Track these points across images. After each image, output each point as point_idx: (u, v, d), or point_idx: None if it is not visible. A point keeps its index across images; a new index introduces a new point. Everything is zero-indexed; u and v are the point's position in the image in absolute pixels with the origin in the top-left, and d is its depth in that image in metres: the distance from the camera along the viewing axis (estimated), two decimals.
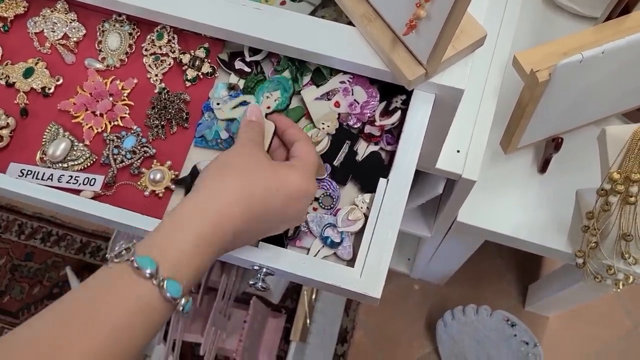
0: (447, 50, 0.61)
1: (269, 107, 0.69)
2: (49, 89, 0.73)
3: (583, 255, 0.96)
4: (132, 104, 0.72)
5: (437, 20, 0.57)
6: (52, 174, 0.69)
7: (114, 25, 0.74)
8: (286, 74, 0.70)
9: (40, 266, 1.59)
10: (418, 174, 0.97)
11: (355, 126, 0.69)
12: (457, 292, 1.54)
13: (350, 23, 0.68)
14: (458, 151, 0.87)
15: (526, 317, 1.50)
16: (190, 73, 0.72)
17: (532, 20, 1.08)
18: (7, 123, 0.71)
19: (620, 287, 0.98)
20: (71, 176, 0.68)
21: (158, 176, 0.68)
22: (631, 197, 0.81)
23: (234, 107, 0.69)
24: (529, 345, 1.27)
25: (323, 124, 0.68)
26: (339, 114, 0.69)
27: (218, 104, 0.70)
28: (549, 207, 1.01)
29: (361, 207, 0.66)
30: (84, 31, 0.75)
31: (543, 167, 1.02)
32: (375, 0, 0.64)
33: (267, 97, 0.69)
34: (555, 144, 0.97)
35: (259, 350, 1.44)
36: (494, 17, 0.96)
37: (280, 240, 0.64)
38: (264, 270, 0.63)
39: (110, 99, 0.72)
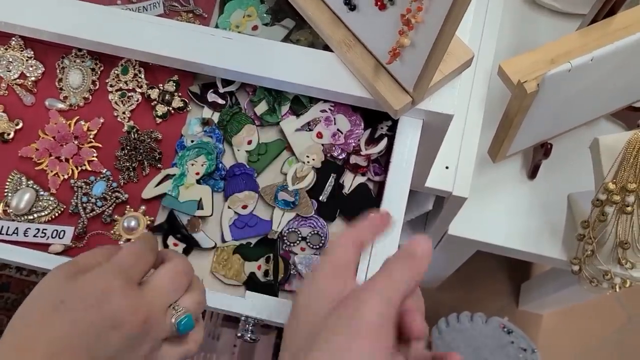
0: (434, 76, 0.57)
1: (198, 173, 0.64)
2: (8, 134, 0.67)
3: (579, 263, 0.93)
4: (100, 145, 0.67)
5: (422, 48, 0.53)
6: (17, 228, 0.64)
7: (75, 61, 0.69)
8: (262, 106, 0.66)
9: (17, 296, 1.53)
10: None
11: (340, 157, 0.65)
12: (449, 295, 1.51)
13: (327, 46, 0.64)
14: (447, 167, 0.84)
15: (520, 316, 1.48)
16: (160, 109, 0.67)
17: (513, 21, 1.05)
18: None
19: (617, 289, 0.95)
20: (38, 229, 0.63)
21: (132, 223, 0.63)
22: (628, 206, 0.78)
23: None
24: (527, 351, 1.25)
25: (308, 157, 0.64)
26: (322, 145, 0.65)
27: (192, 141, 0.66)
28: (540, 213, 0.99)
29: None
30: (43, 69, 0.69)
31: (533, 173, 0.99)
32: (354, 26, 0.60)
33: (192, 165, 0.64)
34: (545, 149, 0.94)
35: None
36: (476, 21, 0.92)
37: (270, 286, 0.60)
38: (252, 321, 0.59)
39: (76, 141, 0.67)
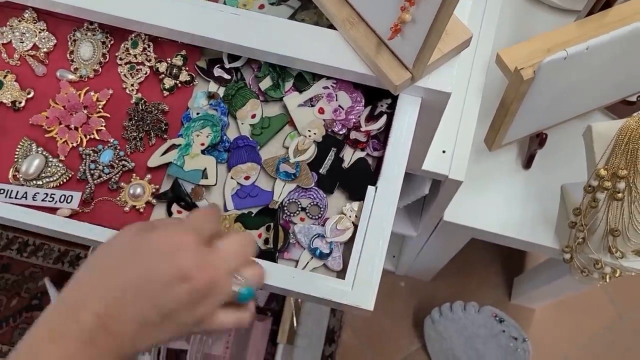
0: (433, 54, 0.59)
1: (203, 144, 0.66)
2: (20, 102, 0.69)
3: (570, 251, 0.95)
4: (108, 115, 0.69)
5: (422, 24, 0.55)
6: (26, 192, 0.66)
7: (86, 34, 0.71)
8: (266, 81, 0.68)
9: (18, 277, 1.55)
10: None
11: (341, 132, 0.67)
12: (443, 287, 1.53)
13: (331, 26, 0.66)
14: (444, 151, 0.86)
15: (512, 309, 1.50)
16: (168, 82, 0.70)
17: (512, 15, 1.07)
18: None
19: (607, 280, 0.98)
20: (46, 194, 0.66)
21: (138, 190, 0.66)
22: (618, 193, 0.80)
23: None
24: (518, 340, 1.27)
25: (309, 131, 0.66)
26: (323, 121, 0.67)
27: (198, 113, 0.68)
28: (534, 202, 1.01)
29: (350, 216, 0.64)
30: (55, 41, 0.71)
31: (528, 163, 1.02)
32: (358, 4, 0.62)
33: (198, 136, 0.66)
34: (540, 139, 0.97)
35: (246, 354, 1.43)
36: (476, 12, 0.94)
37: (270, 254, 0.62)
38: None
39: (85, 111, 0.69)
